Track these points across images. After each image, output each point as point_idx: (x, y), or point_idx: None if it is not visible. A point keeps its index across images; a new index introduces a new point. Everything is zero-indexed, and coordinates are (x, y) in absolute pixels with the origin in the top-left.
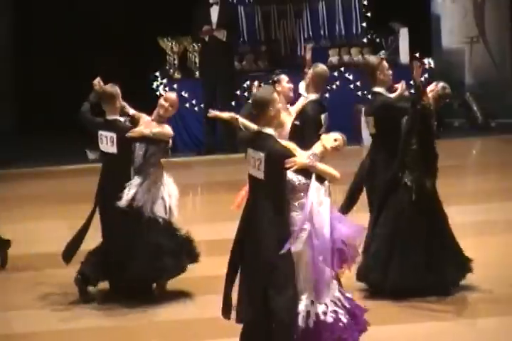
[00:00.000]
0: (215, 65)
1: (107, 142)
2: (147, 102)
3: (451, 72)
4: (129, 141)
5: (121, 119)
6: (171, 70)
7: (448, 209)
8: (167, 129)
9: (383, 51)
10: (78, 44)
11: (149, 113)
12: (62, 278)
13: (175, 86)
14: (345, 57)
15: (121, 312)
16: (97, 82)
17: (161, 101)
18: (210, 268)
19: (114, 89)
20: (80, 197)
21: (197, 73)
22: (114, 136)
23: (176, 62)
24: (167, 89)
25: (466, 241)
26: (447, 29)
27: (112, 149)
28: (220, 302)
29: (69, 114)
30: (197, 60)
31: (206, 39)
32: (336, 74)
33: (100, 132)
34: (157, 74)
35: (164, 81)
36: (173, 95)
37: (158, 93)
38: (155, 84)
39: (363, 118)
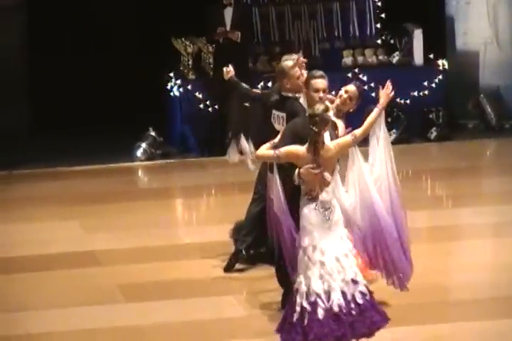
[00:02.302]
0: (228, 65)
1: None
2: (161, 103)
3: (466, 74)
4: None
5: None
6: (185, 71)
7: (461, 211)
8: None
9: (397, 52)
10: (91, 44)
11: (163, 114)
12: (77, 279)
13: (189, 87)
14: (360, 59)
15: (133, 312)
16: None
17: (341, 92)
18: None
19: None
20: (92, 198)
21: (211, 74)
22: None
23: (190, 62)
24: (181, 89)
25: (481, 243)
26: (462, 30)
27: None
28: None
29: (80, 115)
30: (211, 61)
31: (220, 41)
32: (349, 75)
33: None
34: (171, 74)
35: (178, 81)
36: (353, 87)
37: (172, 94)
38: (169, 84)
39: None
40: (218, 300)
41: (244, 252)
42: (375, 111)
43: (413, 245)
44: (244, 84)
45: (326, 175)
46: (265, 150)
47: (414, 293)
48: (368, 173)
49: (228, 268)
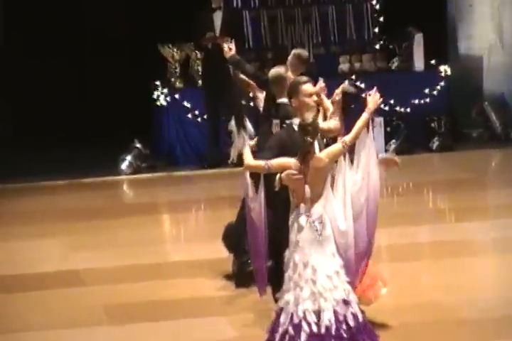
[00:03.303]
0: (218, 73)
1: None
2: (147, 113)
3: (469, 80)
4: None
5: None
6: (173, 79)
7: (465, 225)
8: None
9: (396, 58)
10: (74, 51)
11: (149, 125)
12: (60, 300)
13: (176, 96)
14: (357, 65)
15: (119, 335)
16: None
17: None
18: (213, 289)
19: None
20: (75, 214)
21: (200, 82)
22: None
23: (177, 70)
24: (168, 99)
25: (486, 260)
26: (465, 34)
27: None
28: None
29: (62, 127)
30: (200, 68)
31: (209, 46)
32: (346, 82)
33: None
34: (158, 83)
35: (165, 90)
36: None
37: (159, 103)
38: (156, 93)
39: (375, 131)
40: (209, 321)
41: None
42: (364, 116)
43: (414, 261)
44: (247, 63)
45: (307, 190)
46: (254, 160)
47: (416, 312)
48: (350, 185)
49: (239, 283)
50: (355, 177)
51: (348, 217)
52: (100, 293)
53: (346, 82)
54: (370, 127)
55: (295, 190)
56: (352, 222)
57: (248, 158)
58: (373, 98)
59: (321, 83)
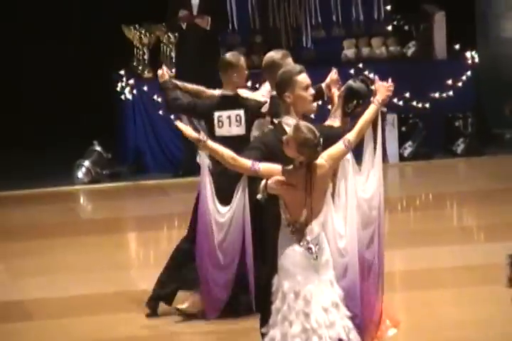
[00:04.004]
0: (196, 60)
1: (230, 123)
2: (109, 109)
3: (501, 69)
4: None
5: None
6: (140, 67)
7: (495, 247)
8: None
9: (413, 42)
10: (18, 35)
11: (111, 123)
12: (14, 335)
13: (145, 88)
14: (365, 50)
15: None
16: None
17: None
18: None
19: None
20: (21, 232)
21: (173, 71)
22: (242, 113)
23: (146, 56)
24: (135, 91)
25: None
26: (496, 14)
27: (239, 130)
28: None
29: (5, 127)
30: (173, 54)
31: (184, 27)
32: (352, 71)
33: (217, 113)
34: (122, 72)
35: (131, 81)
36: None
37: (123, 97)
38: (119, 85)
39: (387, 130)
40: None
41: None
42: (372, 107)
43: (435, 291)
44: (178, 92)
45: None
46: (237, 156)
47: None
48: (355, 191)
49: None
50: (365, 182)
51: (350, 230)
52: (49, 329)
53: (351, 80)
54: (379, 122)
55: (289, 204)
56: (356, 236)
57: (227, 153)
58: (384, 86)
59: (333, 74)
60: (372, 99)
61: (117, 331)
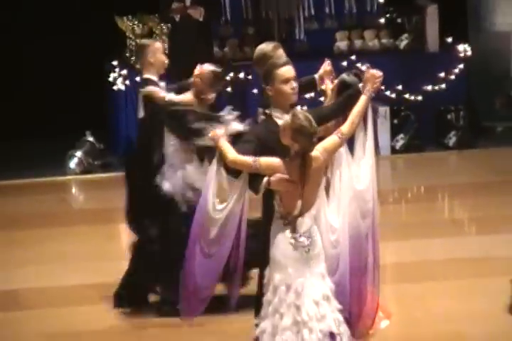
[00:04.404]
0: (188, 51)
1: None
2: (102, 100)
3: (493, 63)
4: None
5: None
6: (133, 58)
7: (488, 239)
8: None
9: (405, 35)
10: (17, 28)
11: (104, 114)
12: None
13: (137, 78)
14: (357, 43)
15: None
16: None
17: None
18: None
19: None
20: (13, 222)
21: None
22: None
23: None
24: (127, 82)
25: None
26: (489, 6)
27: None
28: None
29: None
30: (166, 46)
31: (177, 18)
32: (344, 63)
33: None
34: (114, 63)
35: (124, 72)
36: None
37: (116, 88)
38: (112, 76)
39: (379, 123)
40: None
41: None
42: (362, 98)
43: (426, 282)
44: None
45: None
46: (239, 155)
47: None
48: (349, 181)
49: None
50: (358, 174)
51: (342, 222)
52: (42, 319)
53: (344, 73)
54: (369, 113)
55: (284, 196)
56: (347, 227)
57: (231, 151)
58: (373, 76)
59: (326, 65)
60: (361, 89)
61: (115, 321)
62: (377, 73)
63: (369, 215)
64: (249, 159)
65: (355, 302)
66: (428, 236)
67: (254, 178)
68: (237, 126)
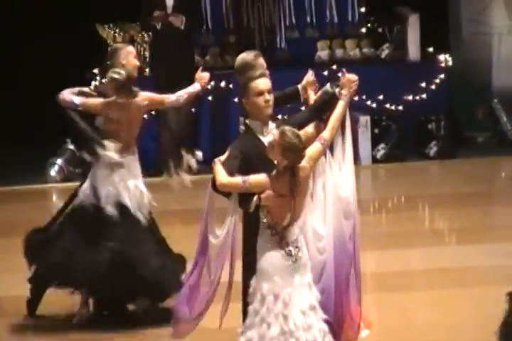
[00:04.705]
0: (170, 59)
1: None
2: None
3: (474, 72)
4: None
5: None
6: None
7: (467, 249)
8: None
9: (387, 44)
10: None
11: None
12: None
13: None
14: (338, 52)
15: None
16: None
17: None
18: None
19: None
20: None
21: (147, 70)
22: None
23: None
24: None
25: (492, 291)
26: (469, 17)
27: None
28: None
29: None
30: (147, 54)
31: (158, 27)
32: (326, 73)
33: None
34: (95, 71)
35: (104, 80)
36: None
37: None
38: (93, 84)
39: (360, 132)
40: None
41: None
42: (340, 104)
43: (408, 293)
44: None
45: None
46: (229, 177)
47: None
48: (333, 187)
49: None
50: (342, 179)
51: (327, 229)
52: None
53: (328, 84)
54: (347, 119)
55: (273, 209)
56: (332, 232)
57: (221, 175)
58: (349, 80)
59: (309, 75)
60: (338, 94)
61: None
62: (353, 77)
63: (351, 217)
64: (239, 180)
65: (339, 311)
66: (408, 246)
67: (244, 197)
68: (114, 156)
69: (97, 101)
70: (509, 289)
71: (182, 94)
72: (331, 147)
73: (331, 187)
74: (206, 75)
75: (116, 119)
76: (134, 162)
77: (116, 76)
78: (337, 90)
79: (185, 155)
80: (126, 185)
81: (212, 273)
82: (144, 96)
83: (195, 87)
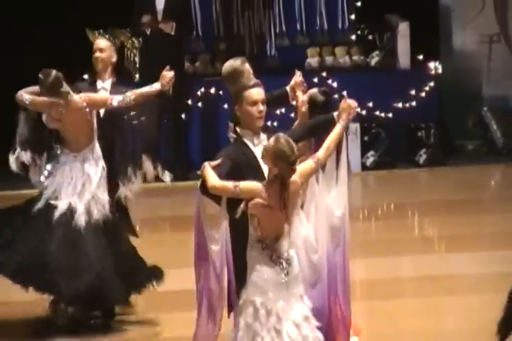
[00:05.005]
0: (159, 65)
1: None
2: None
3: (464, 81)
4: None
5: None
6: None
7: (457, 257)
8: None
9: (377, 52)
10: None
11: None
12: None
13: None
14: (328, 59)
15: None
16: None
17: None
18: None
19: None
20: None
21: (137, 76)
22: None
23: None
24: None
25: (481, 300)
26: (460, 25)
27: None
28: None
29: None
30: (137, 60)
31: (148, 33)
32: (315, 80)
33: None
34: (85, 77)
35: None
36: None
37: None
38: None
39: (349, 140)
40: None
41: None
42: (338, 127)
43: (397, 300)
44: None
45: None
46: (220, 181)
47: None
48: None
49: None
50: (333, 202)
51: (321, 245)
52: None
53: (315, 89)
54: (344, 141)
55: (263, 221)
56: (325, 250)
57: (212, 177)
58: (348, 105)
59: (297, 76)
60: (337, 117)
61: None
62: (353, 104)
63: (339, 230)
64: (230, 184)
65: (332, 317)
66: (398, 253)
67: (232, 202)
68: (12, 165)
69: (44, 100)
70: (498, 297)
71: (130, 94)
72: (323, 169)
73: (323, 211)
74: (169, 74)
75: (58, 119)
76: (89, 163)
77: (41, 76)
78: (335, 114)
79: (145, 162)
80: (77, 188)
81: (218, 276)
82: (84, 97)
83: (153, 87)
